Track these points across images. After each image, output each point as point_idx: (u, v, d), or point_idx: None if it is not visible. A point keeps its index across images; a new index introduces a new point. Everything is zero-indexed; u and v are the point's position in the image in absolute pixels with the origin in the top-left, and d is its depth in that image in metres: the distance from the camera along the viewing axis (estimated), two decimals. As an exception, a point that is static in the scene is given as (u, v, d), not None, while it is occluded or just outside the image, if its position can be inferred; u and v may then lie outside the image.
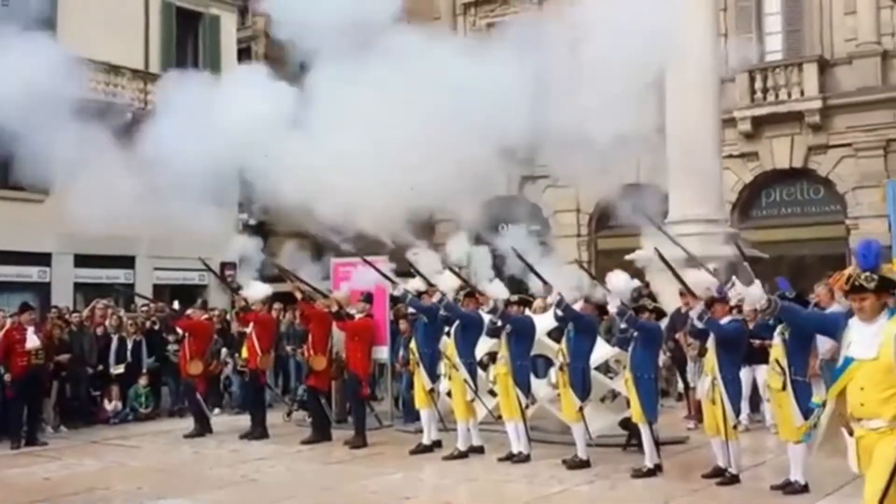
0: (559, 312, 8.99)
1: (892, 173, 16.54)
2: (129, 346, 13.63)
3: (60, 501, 8.29)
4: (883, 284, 4.59)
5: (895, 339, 4.42)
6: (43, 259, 18.85)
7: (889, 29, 18.76)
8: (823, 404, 4.80)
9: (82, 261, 19.16)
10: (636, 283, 9.38)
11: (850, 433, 4.57)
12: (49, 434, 11.87)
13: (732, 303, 8.08)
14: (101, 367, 13.25)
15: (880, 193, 15.33)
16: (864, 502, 4.45)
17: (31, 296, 16.12)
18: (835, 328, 4.81)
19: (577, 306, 9.08)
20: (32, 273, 18.91)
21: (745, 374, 9.55)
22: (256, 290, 11.54)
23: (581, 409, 8.81)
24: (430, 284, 10.34)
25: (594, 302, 9.40)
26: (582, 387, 8.86)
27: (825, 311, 8.15)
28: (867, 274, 4.60)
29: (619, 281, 8.83)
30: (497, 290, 9.73)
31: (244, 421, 11.83)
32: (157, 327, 14.12)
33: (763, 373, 9.51)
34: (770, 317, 5.37)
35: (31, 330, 11.26)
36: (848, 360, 4.58)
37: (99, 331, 13.51)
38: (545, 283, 9.03)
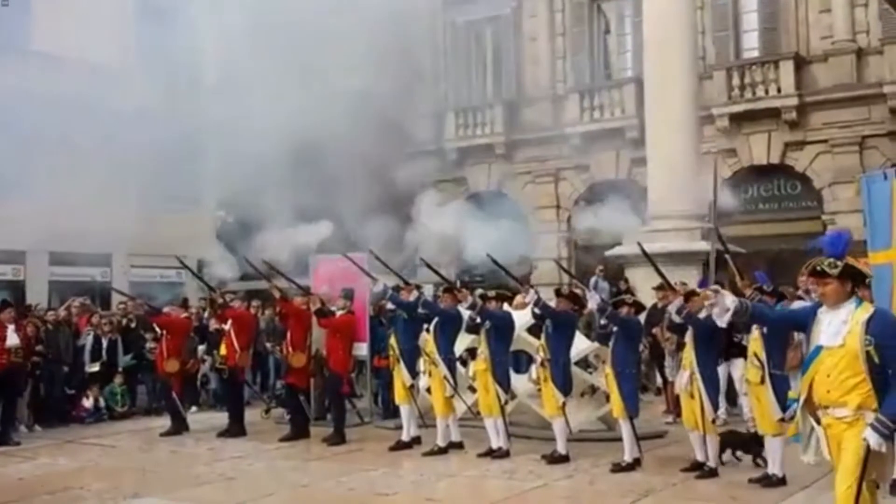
0: (537, 311, 8.98)
1: (867, 169, 16.63)
2: (105, 344, 13.50)
3: (35, 501, 8.15)
4: (846, 271, 4.62)
5: (862, 326, 4.45)
6: (17, 256, 18.58)
7: (863, 27, 18.90)
8: (798, 399, 4.81)
9: (57, 258, 18.91)
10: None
11: (818, 421, 4.61)
12: (23, 433, 11.72)
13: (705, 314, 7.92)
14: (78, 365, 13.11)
15: (856, 189, 15.45)
16: (835, 498, 4.47)
17: (5, 294, 15.89)
18: (805, 321, 4.81)
19: (552, 302, 9.06)
20: (6, 271, 18.67)
21: (721, 368, 9.59)
22: None
23: (563, 404, 8.81)
24: (405, 282, 10.31)
25: (566, 295, 9.37)
26: (563, 382, 8.85)
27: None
28: (831, 260, 4.64)
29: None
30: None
31: (222, 418, 11.74)
32: (133, 325, 13.99)
33: (739, 367, 9.58)
34: (743, 320, 5.34)
35: (11, 328, 11.10)
36: (817, 349, 4.61)
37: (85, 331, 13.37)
38: (520, 283, 9.00)
